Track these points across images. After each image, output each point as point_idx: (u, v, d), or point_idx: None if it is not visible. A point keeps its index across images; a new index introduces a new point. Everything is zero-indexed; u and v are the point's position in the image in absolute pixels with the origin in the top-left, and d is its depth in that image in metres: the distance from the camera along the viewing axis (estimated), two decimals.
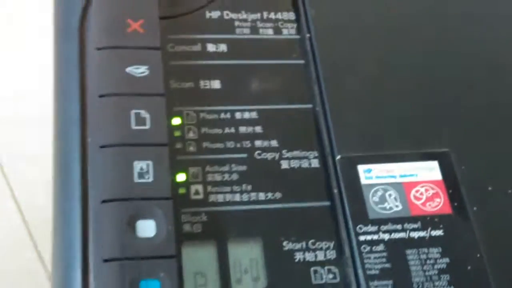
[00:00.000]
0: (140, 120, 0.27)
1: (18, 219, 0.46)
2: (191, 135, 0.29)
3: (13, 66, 0.53)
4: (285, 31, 0.32)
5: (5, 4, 0.55)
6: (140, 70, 0.28)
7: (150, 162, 0.26)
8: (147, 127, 0.27)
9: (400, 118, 0.30)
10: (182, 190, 0.27)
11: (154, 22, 0.30)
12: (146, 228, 0.25)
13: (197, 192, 0.27)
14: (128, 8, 0.30)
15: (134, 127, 0.27)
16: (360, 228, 0.27)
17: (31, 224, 0.47)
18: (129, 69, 0.28)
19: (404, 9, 0.34)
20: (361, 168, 0.29)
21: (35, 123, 0.50)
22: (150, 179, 0.26)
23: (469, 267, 0.27)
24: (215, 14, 0.32)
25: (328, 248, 0.27)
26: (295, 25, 0.33)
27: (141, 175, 0.26)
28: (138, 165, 0.26)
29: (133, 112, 0.27)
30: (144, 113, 0.27)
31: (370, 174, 0.28)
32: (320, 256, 0.27)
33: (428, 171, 0.29)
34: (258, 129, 0.30)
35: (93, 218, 0.25)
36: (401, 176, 0.29)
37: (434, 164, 0.29)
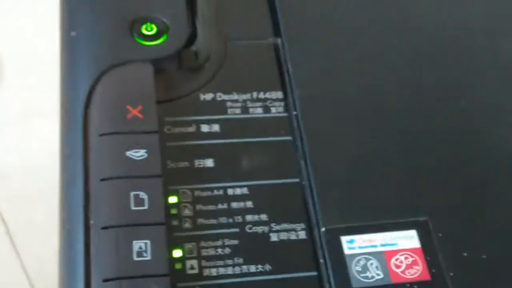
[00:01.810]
0: (138, 201, 0.30)
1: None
2: (186, 212, 0.31)
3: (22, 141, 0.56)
4: (273, 110, 0.35)
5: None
6: (139, 154, 0.31)
7: (148, 241, 0.29)
8: (145, 207, 0.30)
9: (381, 189, 0.33)
10: (178, 266, 0.30)
11: (152, 107, 0.33)
12: None
13: (192, 267, 0.30)
14: (128, 95, 0.33)
15: (133, 208, 0.29)
16: None
17: None
18: (128, 153, 0.31)
19: (388, 85, 0.36)
20: (344, 239, 0.31)
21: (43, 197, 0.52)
22: (148, 257, 0.28)
23: None
24: (208, 96, 0.35)
25: None
26: (282, 104, 0.35)
27: (139, 253, 0.28)
28: (137, 245, 0.28)
29: (132, 194, 0.30)
30: (142, 194, 0.30)
31: (353, 244, 0.31)
32: None
33: (407, 240, 0.31)
34: (249, 204, 0.32)
35: None
36: (382, 245, 0.31)
37: (413, 233, 0.31)
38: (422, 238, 0.31)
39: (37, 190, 0.53)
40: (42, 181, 0.54)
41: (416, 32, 0.38)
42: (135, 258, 0.28)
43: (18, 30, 0.63)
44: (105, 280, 0.27)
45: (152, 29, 0.35)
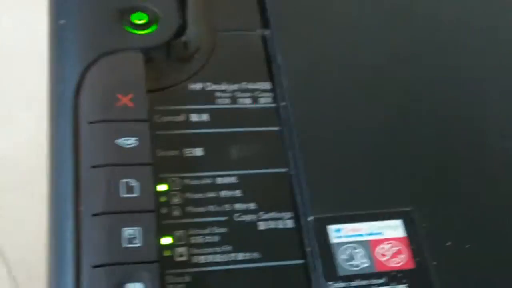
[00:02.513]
0: (129, 189, 0.30)
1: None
2: (176, 200, 0.32)
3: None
4: (262, 100, 0.35)
5: None
6: (129, 142, 0.31)
7: (139, 228, 0.29)
8: (136, 195, 0.30)
9: (368, 180, 0.33)
10: (167, 253, 0.30)
11: (143, 96, 0.33)
12: None
13: (181, 255, 0.30)
14: (118, 84, 0.33)
15: (123, 195, 0.30)
16: (331, 285, 0.30)
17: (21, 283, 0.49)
18: (118, 141, 0.31)
19: (377, 76, 0.37)
20: (331, 228, 0.31)
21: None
22: (139, 244, 0.28)
23: None
24: (198, 86, 0.35)
25: None
26: (271, 95, 0.36)
27: (130, 240, 0.29)
28: (128, 231, 0.29)
29: (122, 181, 0.30)
30: (133, 182, 0.30)
31: (340, 233, 0.31)
32: None
33: (392, 229, 0.32)
34: (238, 193, 0.32)
35: (86, 283, 0.27)
36: (368, 234, 0.31)
37: (398, 223, 0.32)
38: (406, 227, 0.32)
39: (14, 180, 0.53)
40: (19, 171, 0.54)
41: (410, 21, 0.38)
42: (126, 245, 0.28)
43: None
44: (95, 266, 0.27)
45: (142, 18, 0.36)
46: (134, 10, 0.36)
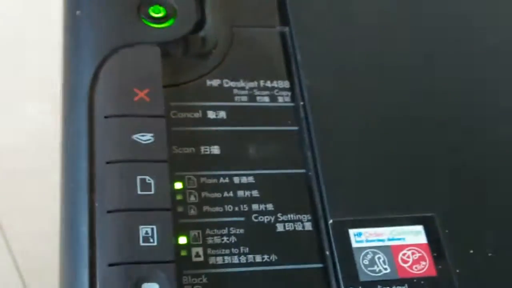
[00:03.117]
0: (145, 186, 0.29)
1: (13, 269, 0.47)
2: (192, 199, 0.31)
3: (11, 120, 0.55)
4: (280, 99, 0.35)
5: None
6: (145, 138, 0.30)
7: (154, 227, 0.28)
8: (151, 192, 0.29)
9: (389, 183, 0.32)
10: (183, 253, 0.29)
11: (159, 91, 0.32)
12: None
13: (197, 255, 0.29)
14: (135, 78, 0.32)
15: (139, 192, 0.29)
16: None
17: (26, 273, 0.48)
18: (135, 137, 0.30)
19: (398, 77, 0.36)
20: (352, 232, 0.30)
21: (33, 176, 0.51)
22: (155, 243, 0.27)
23: None
24: (215, 83, 0.34)
25: None
26: (289, 93, 0.35)
27: (146, 239, 0.28)
28: (143, 230, 0.28)
29: (138, 178, 0.29)
30: (149, 179, 0.29)
31: (361, 237, 0.30)
32: None
33: (414, 235, 0.31)
34: (255, 193, 0.31)
35: (100, 281, 0.26)
36: (389, 239, 0.31)
37: (420, 228, 0.31)
38: (428, 233, 0.31)
39: (25, 170, 0.52)
40: (29, 162, 0.53)
41: (431, 26, 0.38)
42: (141, 243, 0.27)
43: (4, 12, 0.62)
44: (111, 265, 0.27)
45: (160, 11, 0.35)
46: (152, 2, 0.35)
